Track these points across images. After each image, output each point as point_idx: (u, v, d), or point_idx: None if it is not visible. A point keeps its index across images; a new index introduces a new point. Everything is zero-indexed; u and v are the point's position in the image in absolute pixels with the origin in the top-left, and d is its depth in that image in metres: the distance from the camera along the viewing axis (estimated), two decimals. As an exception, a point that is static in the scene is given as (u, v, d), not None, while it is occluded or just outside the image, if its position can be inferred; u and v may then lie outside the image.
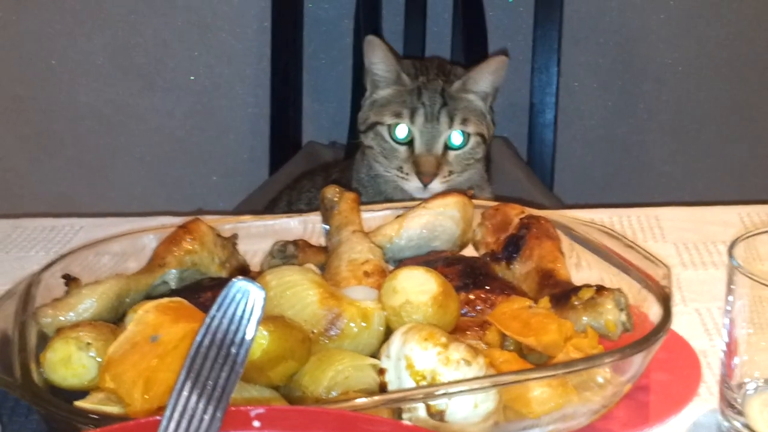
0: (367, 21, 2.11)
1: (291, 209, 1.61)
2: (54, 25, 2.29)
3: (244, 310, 0.53)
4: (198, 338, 0.52)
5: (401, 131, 1.48)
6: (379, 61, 1.51)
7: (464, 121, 1.49)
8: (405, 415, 0.70)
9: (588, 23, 2.27)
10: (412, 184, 1.47)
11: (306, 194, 1.65)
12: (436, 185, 1.46)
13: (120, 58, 2.31)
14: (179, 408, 0.51)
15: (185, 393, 0.51)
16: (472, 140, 1.50)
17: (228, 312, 0.52)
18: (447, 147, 1.48)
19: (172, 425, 0.50)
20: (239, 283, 0.53)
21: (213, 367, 0.51)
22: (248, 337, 0.51)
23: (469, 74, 1.53)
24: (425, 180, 1.46)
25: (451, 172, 1.48)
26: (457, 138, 1.49)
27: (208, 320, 0.52)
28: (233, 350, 0.52)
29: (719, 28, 2.26)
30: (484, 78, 1.53)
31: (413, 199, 1.41)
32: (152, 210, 2.20)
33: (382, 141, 1.49)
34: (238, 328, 0.52)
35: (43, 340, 0.83)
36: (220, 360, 0.52)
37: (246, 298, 0.53)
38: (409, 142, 1.48)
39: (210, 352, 0.52)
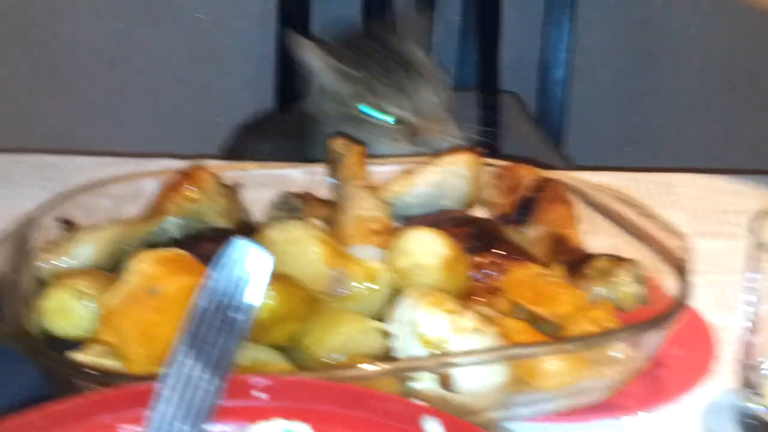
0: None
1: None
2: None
3: (246, 272, 0.50)
4: (197, 302, 0.49)
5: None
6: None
7: None
8: (412, 383, 0.68)
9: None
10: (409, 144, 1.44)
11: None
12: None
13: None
14: (179, 375, 0.48)
15: (186, 360, 0.48)
16: None
17: (229, 274, 0.49)
18: None
19: (171, 393, 0.48)
20: (240, 243, 0.50)
21: (214, 332, 0.49)
22: (253, 302, 0.49)
23: None
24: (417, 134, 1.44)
25: None
26: None
27: (208, 282, 0.49)
28: (235, 315, 0.49)
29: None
30: None
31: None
32: (153, 148, 2.17)
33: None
34: (240, 291, 0.49)
35: (39, 285, 0.80)
36: (221, 325, 0.49)
37: (248, 259, 0.50)
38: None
39: (210, 316, 0.49)
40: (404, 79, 1.48)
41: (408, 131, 1.45)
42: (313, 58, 1.47)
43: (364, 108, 1.45)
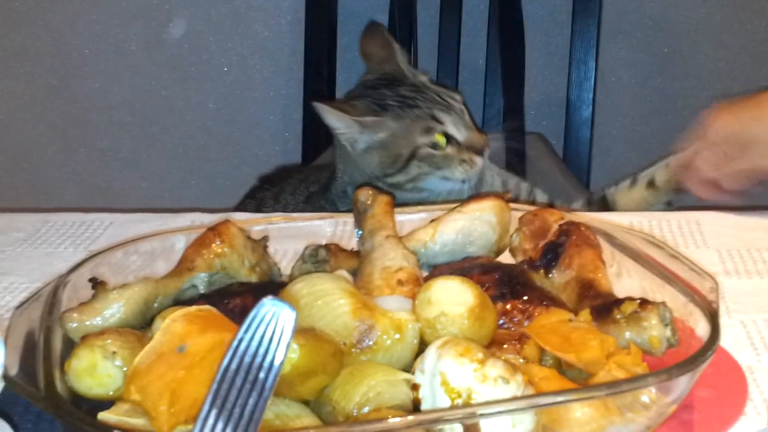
0: (402, 14, 2.08)
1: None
2: (88, 15, 2.28)
3: (273, 332, 0.50)
4: (225, 362, 0.49)
5: (440, 140, 1.45)
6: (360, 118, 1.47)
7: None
8: (439, 435, 0.68)
9: (627, 17, 2.23)
10: (478, 164, 1.46)
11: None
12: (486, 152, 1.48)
13: (153, 49, 2.30)
14: (204, 436, 0.49)
15: (211, 420, 0.49)
16: None
17: (256, 334, 0.50)
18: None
19: (197, 454, 0.48)
20: (268, 303, 0.50)
21: (240, 393, 0.49)
22: (277, 362, 0.49)
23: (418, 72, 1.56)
24: (484, 150, 1.47)
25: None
26: None
27: (235, 343, 0.50)
28: (261, 375, 0.49)
29: (761, 23, 2.22)
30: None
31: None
32: (184, 201, 2.19)
33: (431, 159, 1.45)
34: (266, 352, 0.50)
35: (69, 345, 0.81)
36: (247, 386, 0.49)
37: (276, 319, 0.50)
38: (448, 140, 1.46)
39: (237, 377, 0.49)
40: (427, 100, 1.49)
41: (460, 151, 1.45)
42: (335, 120, 1.46)
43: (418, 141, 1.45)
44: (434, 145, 1.44)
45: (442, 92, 1.51)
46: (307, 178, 1.69)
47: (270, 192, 1.69)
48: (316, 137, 2.09)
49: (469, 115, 1.50)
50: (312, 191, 1.63)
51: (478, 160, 1.46)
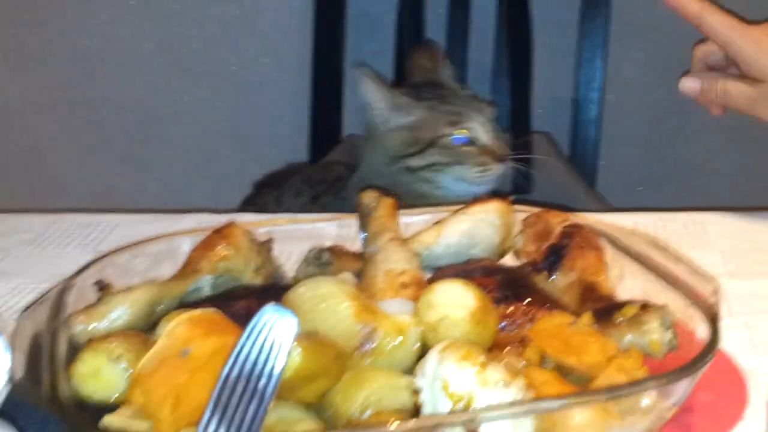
0: (410, 14, 2.08)
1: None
2: (99, 16, 2.29)
3: (274, 340, 0.51)
4: (226, 370, 0.50)
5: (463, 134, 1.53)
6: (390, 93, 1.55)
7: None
8: (439, 439, 0.68)
9: (637, 16, 2.23)
10: (494, 170, 1.52)
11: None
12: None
13: (163, 49, 2.30)
14: (205, 442, 0.49)
15: (212, 427, 0.49)
16: None
17: (257, 342, 0.51)
18: None
19: (197, 460, 0.49)
20: (270, 311, 0.51)
21: (241, 400, 0.50)
22: (277, 369, 0.50)
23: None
24: (504, 159, 1.53)
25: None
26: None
27: (236, 350, 0.50)
28: (262, 382, 0.50)
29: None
30: None
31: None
32: (192, 200, 2.20)
33: (449, 150, 1.52)
34: (267, 359, 0.50)
35: (75, 348, 0.81)
36: (248, 393, 0.50)
37: (277, 326, 0.51)
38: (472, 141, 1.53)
39: (238, 384, 0.50)
40: (461, 102, 1.56)
41: (480, 152, 1.52)
42: (373, 91, 1.53)
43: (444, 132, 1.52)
44: (456, 141, 1.51)
45: (479, 100, 1.59)
46: (310, 178, 1.70)
47: (270, 196, 1.70)
48: (324, 138, 2.10)
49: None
50: (319, 191, 1.64)
51: (495, 167, 1.51)
